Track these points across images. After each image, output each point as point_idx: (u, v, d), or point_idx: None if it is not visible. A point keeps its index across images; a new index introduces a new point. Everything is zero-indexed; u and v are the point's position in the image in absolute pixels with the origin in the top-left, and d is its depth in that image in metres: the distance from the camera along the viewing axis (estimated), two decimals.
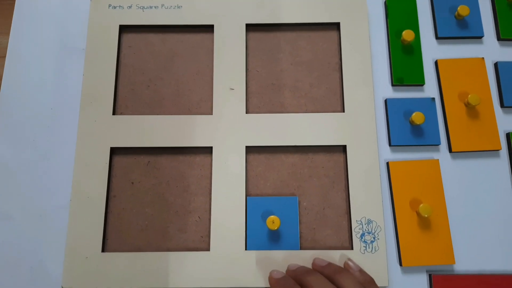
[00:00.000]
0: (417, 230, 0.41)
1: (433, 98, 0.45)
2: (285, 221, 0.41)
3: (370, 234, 0.40)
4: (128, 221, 0.42)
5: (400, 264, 0.40)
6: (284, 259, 0.40)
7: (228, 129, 0.43)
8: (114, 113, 0.44)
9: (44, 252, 0.41)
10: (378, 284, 0.38)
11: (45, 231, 0.41)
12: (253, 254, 0.40)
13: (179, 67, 0.46)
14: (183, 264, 0.40)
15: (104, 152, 0.42)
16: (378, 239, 0.40)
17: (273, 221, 0.39)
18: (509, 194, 0.43)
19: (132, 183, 0.43)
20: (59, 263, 0.40)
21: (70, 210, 0.41)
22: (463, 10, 0.46)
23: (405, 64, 0.46)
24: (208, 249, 0.41)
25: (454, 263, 0.40)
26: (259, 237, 0.40)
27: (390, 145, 0.44)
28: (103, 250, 0.40)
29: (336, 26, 0.47)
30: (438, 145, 0.44)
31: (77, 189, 0.41)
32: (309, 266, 0.39)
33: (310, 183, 0.43)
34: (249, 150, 0.43)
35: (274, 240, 0.40)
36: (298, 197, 0.42)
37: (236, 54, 0.45)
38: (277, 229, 0.40)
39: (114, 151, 0.43)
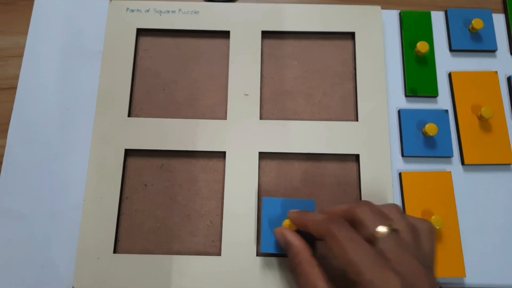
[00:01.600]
0: None
1: (446, 110, 0.45)
2: None
3: None
4: (140, 223, 0.42)
5: None
6: None
7: (242, 135, 0.43)
8: (129, 115, 0.44)
9: (56, 252, 0.41)
10: None
11: (57, 231, 0.42)
12: (264, 260, 0.40)
13: (194, 71, 0.46)
14: (194, 268, 0.40)
15: (118, 153, 0.43)
16: None
17: (289, 225, 0.39)
18: None
19: (145, 185, 0.43)
20: (71, 263, 0.40)
21: (83, 210, 0.41)
22: (477, 23, 0.46)
23: (419, 75, 0.46)
24: (219, 254, 0.41)
25: (465, 276, 0.40)
26: (273, 239, 0.40)
27: (402, 155, 0.44)
28: (114, 251, 0.40)
29: (351, 35, 0.48)
30: (450, 157, 0.44)
31: (91, 190, 0.42)
32: None
33: (322, 191, 0.43)
34: (262, 156, 0.44)
35: None
36: (315, 201, 0.41)
37: (251, 60, 0.46)
38: None
39: (128, 153, 0.44)
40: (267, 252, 0.39)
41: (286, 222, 0.38)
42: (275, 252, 0.39)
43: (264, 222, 0.40)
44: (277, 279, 0.39)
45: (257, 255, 0.40)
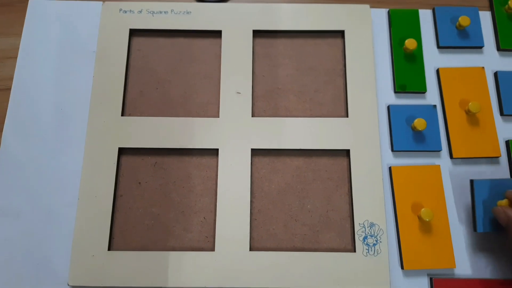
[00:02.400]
0: (419, 234, 0.41)
1: (435, 105, 0.46)
2: None
3: (373, 237, 0.41)
4: (134, 220, 0.42)
5: (402, 267, 0.41)
6: (286, 260, 0.40)
7: (234, 132, 0.44)
8: (122, 114, 0.45)
9: (51, 249, 0.41)
10: (379, 287, 0.39)
11: (53, 229, 0.42)
12: (257, 254, 0.40)
13: (187, 70, 0.47)
14: (188, 263, 0.40)
15: (112, 152, 0.43)
16: (380, 242, 0.41)
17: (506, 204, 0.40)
18: None
19: (139, 183, 0.43)
20: (66, 261, 0.41)
21: (77, 208, 0.41)
22: (464, 20, 0.47)
23: (407, 72, 0.47)
24: (213, 249, 0.41)
25: (455, 267, 0.41)
26: (489, 219, 0.42)
27: (392, 150, 0.45)
28: (109, 249, 0.41)
29: (341, 34, 0.49)
30: (439, 151, 0.45)
31: (85, 188, 0.42)
32: (312, 272, 0.40)
33: (314, 186, 0.44)
34: (254, 152, 0.44)
35: None
36: None
37: (243, 59, 0.46)
38: None
39: (122, 151, 0.44)
40: (485, 231, 0.41)
41: (503, 202, 0.40)
42: (492, 231, 0.41)
43: (478, 204, 0.41)
44: (270, 273, 0.40)
45: (250, 250, 0.41)
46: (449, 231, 0.42)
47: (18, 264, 0.41)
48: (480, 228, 0.41)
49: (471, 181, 0.43)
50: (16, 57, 0.47)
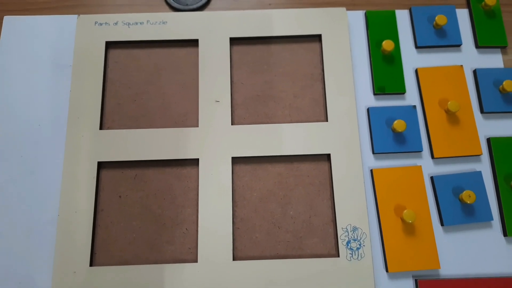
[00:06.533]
0: (402, 236, 0.41)
1: (414, 106, 0.46)
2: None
3: (356, 241, 0.41)
4: (116, 234, 0.42)
5: (386, 270, 0.41)
6: (270, 268, 0.40)
7: (214, 141, 0.44)
8: (101, 128, 0.45)
9: (33, 268, 0.41)
10: None
11: (34, 246, 0.41)
12: (240, 264, 0.40)
13: (165, 81, 0.47)
14: (171, 276, 0.40)
15: (91, 166, 0.43)
16: (364, 246, 0.40)
17: (469, 195, 0.41)
18: (491, 199, 0.43)
19: (120, 196, 0.43)
20: (48, 278, 0.40)
21: (58, 224, 0.41)
22: (441, 19, 0.47)
23: (386, 73, 0.47)
24: (196, 261, 0.41)
25: (439, 267, 0.40)
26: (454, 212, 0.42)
27: (373, 152, 0.45)
28: (91, 264, 0.40)
29: (318, 38, 0.48)
30: (420, 151, 0.44)
31: (65, 204, 0.42)
32: (297, 279, 0.40)
33: (296, 191, 0.43)
34: (235, 161, 0.44)
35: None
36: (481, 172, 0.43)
37: (221, 67, 0.46)
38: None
39: (101, 165, 0.44)
40: (452, 224, 0.42)
41: (464, 194, 0.41)
42: (458, 224, 0.42)
43: (441, 199, 0.42)
44: (255, 282, 0.39)
45: (233, 259, 0.40)
46: (432, 232, 0.41)
47: None
48: (447, 222, 0.42)
49: (431, 178, 0.43)
50: None
